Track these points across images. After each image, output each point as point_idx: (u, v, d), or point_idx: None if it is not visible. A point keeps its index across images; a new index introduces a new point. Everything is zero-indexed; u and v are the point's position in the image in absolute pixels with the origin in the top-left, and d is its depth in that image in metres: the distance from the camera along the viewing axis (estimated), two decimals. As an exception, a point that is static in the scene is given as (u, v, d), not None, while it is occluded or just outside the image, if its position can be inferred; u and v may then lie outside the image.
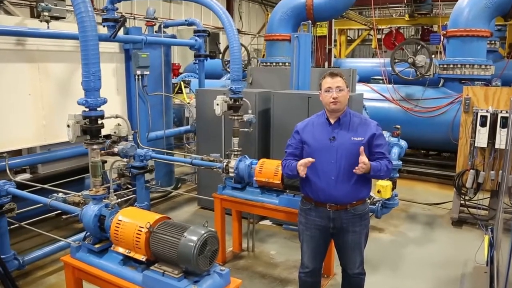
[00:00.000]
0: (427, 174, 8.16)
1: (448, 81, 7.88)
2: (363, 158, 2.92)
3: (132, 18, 10.58)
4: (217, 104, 4.86)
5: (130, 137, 4.87)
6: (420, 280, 4.49)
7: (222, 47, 13.77)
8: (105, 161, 5.05)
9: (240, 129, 4.88)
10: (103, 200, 3.15)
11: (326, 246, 3.32)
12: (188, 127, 7.55)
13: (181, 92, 9.02)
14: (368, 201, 3.37)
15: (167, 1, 15.05)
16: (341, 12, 9.25)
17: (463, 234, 5.74)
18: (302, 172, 3.01)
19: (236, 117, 4.80)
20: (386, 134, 5.50)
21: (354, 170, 2.93)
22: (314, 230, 3.20)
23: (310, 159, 3.00)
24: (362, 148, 2.93)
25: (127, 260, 2.88)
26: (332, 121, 3.12)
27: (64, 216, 3.64)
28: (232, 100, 4.81)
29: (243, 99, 4.87)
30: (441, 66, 7.76)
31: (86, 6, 2.91)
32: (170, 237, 2.64)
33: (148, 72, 6.17)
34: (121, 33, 5.78)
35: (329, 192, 3.07)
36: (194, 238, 2.56)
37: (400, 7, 16.32)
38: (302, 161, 3.02)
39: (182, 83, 9.14)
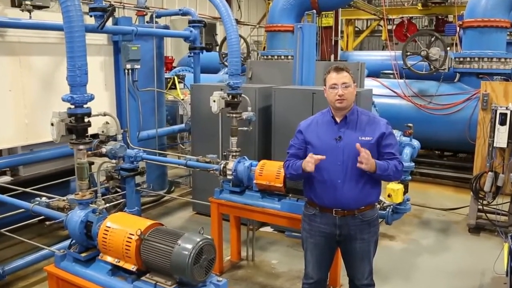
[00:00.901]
0: (441, 177, 8.16)
1: (464, 76, 7.89)
2: (363, 150, 2.89)
3: (122, 8, 10.56)
4: (214, 101, 4.86)
5: (120, 137, 4.86)
6: (434, 292, 4.49)
7: (219, 39, 13.78)
8: (92, 163, 5.04)
9: (239, 128, 4.88)
10: (90, 205, 3.15)
11: (332, 255, 3.32)
12: (183, 125, 7.55)
13: (175, 88, 9.00)
14: (378, 206, 3.38)
15: (160, -11, 15.07)
16: (349, 0, 9.26)
17: (480, 242, 5.74)
18: (311, 167, 2.95)
19: (234, 115, 4.80)
20: (397, 133, 5.50)
21: (358, 165, 2.91)
22: (319, 238, 3.19)
23: (319, 156, 2.96)
24: (358, 145, 2.92)
25: (116, 270, 2.88)
26: (338, 120, 3.12)
27: (47, 222, 3.64)
28: (230, 96, 4.81)
29: (242, 95, 4.86)
30: (457, 59, 7.76)
31: (72, -6, 2.91)
32: (163, 245, 2.64)
33: (138, 66, 6.16)
34: (109, 23, 5.77)
35: (335, 196, 3.06)
36: (189, 246, 2.56)
37: (413, -5, 16.33)
38: (310, 156, 2.97)
39: (175, 78, 9.12)
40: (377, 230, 3.25)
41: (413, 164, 5.57)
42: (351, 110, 3.12)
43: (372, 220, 3.17)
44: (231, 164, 4.51)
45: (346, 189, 3.04)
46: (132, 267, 2.75)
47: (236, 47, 4.71)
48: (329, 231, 3.15)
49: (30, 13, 5.01)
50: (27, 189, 4.61)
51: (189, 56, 8.07)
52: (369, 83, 8.14)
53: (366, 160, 2.91)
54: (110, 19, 5.65)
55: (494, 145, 5.58)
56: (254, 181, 4.34)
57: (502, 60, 7.37)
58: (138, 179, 5.10)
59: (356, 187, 3.04)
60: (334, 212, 3.11)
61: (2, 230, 4.50)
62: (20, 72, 5.11)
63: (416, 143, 5.68)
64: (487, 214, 5.90)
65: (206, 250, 2.61)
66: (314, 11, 6.36)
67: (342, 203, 3.07)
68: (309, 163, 2.98)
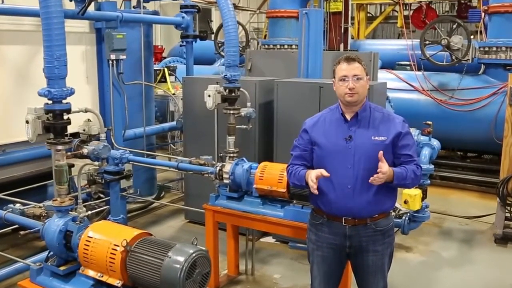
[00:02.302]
0: (464, 181, 8.15)
1: (490, 67, 7.88)
2: (383, 166, 2.88)
3: (105, -9, 10.58)
4: (209, 96, 4.86)
5: (103, 136, 4.85)
6: (456, 310, 4.49)
7: (214, 26, 13.77)
8: (72, 165, 5.05)
9: (237, 126, 4.88)
10: (70, 212, 3.15)
11: (341, 269, 3.32)
12: (174, 123, 7.54)
13: (165, 81, 9.01)
14: (393, 213, 3.38)
15: (148, -31, 15.05)
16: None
17: (508, 253, 5.74)
18: (313, 188, 2.96)
19: (231, 112, 4.80)
20: (414, 132, 5.50)
21: (370, 180, 2.90)
22: (327, 250, 3.19)
23: (323, 172, 2.95)
24: (381, 153, 2.90)
25: (99, 286, 2.88)
26: (348, 117, 3.10)
27: (22, 232, 3.63)
28: (227, 90, 4.81)
29: (241, 89, 4.86)
30: (481, 49, 7.75)
31: (49, -24, 2.91)
32: (152, 258, 2.64)
33: (124, 57, 6.16)
34: (91, 8, 5.77)
35: (345, 203, 3.05)
36: (181, 258, 2.56)
37: (432, -23, 16.32)
38: (313, 174, 2.97)
39: (166, 69, 9.13)
40: (392, 241, 3.24)
41: (432, 166, 5.58)
42: (363, 106, 3.11)
43: (386, 229, 3.16)
44: (228, 167, 4.51)
45: (357, 195, 3.03)
46: (117, 282, 2.75)
47: (234, 35, 4.71)
48: (338, 243, 3.14)
49: (2, -3, 5.01)
50: (-1, 195, 4.61)
51: (180, 46, 8.05)
52: (383, 76, 8.14)
53: (383, 180, 2.90)
54: (92, 3, 5.64)
55: (524, 145, 5.59)
56: (254, 186, 4.34)
57: (533, 49, 7.37)
58: (124, 183, 5.09)
59: (369, 193, 3.03)
60: (343, 221, 3.09)
61: (-29, 240, 4.50)
62: (-9, 63, 5.11)
63: (435, 143, 5.68)
64: (516, 223, 5.91)
65: (200, 263, 2.61)
66: (321, -6, 6.37)
67: (352, 210, 3.06)
68: (312, 180, 2.95)
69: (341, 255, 3.20)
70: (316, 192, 2.98)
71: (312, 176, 2.97)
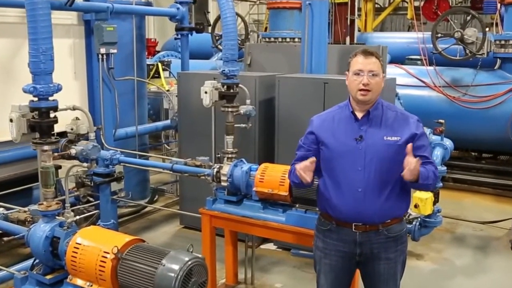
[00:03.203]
0: (479, 183, 8.16)
1: (506, 62, 7.88)
2: (411, 160, 2.84)
3: (95, -20, 10.59)
4: (206, 92, 4.86)
5: (92, 135, 4.85)
6: (470, 322, 4.50)
7: (212, 18, 13.78)
8: (60, 167, 5.05)
9: (236, 125, 4.88)
10: (57, 217, 3.15)
11: (350, 277, 3.31)
12: (168, 122, 7.54)
13: (159, 77, 9.02)
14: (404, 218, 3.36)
15: (140, -43, 15.07)
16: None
17: (526, 261, 5.75)
18: (304, 177, 2.97)
19: (230, 109, 4.80)
20: (425, 131, 5.50)
21: (402, 174, 2.87)
22: (335, 258, 3.18)
23: (310, 159, 2.96)
24: (410, 145, 2.88)
25: (87, 296, 2.88)
26: (359, 116, 3.09)
27: (5, 238, 3.63)
28: (225, 86, 4.81)
29: (240, 85, 4.86)
30: (497, 42, 7.76)
31: (34, -36, 2.91)
32: (144, 266, 2.63)
33: (115, 51, 6.16)
34: (80, -1, 5.78)
35: (355, 208, 3.04)
36: (175, 267, 2.56)
37: (444, -35, 16.32)
38: (301, 165, 2.99)
39: (159, 64, 9.14)
40: (405, 248, 3.24)
41: (445, 168, 5.58)
42: (375, 104, 3.10)
43: (399, 236, 3.16)
44: (226, 168, 4.51)
45: (368, 200, 3.02)
46: (107, 292, 2.75)
47: (232, 27, 4.71)
48: (347, 250, 3.14)
49: (-16, -13, 5.02)
50: (-19, 199, 4.61)
51: (175, 39, 8.05)
52: (392, 71, 8.14)
53: (413, 177, 2.86)
54: (81, -6, 5.66)
55: (543, 146, 5.59)
56: (254, 189, 4.34)
57: (552, 43, 7.38)
58: (115, 186, 5.10)
59: (381, 197, 3.02)
60: (353, 227, 3.09)
61: (-49, 247, 4.50)
62: (-28, 58, 5.11)
63: (448, 143, 5.69)
64: (534, 228, 5.91)
65: (196, 272, 2.61)
66: (326, -16, 6.36)
67: (363, 216, 3.05)
68: (301, 171, 2.97)
69: (350, 263, 3.20)
70: (308, 179, 2.97)
71: (300, 165, 2.98)
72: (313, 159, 2.98)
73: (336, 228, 3.15)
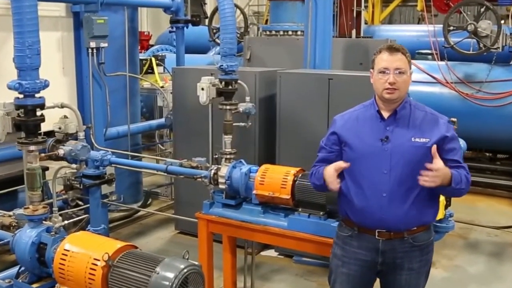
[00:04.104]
0: (494, 186, 8.17)
1: (523, 57, 7.88)
2: (437, 162, 2.83)
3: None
4: (202, 89, 4.86)
5: (82, 135, 4.85)
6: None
7: (209, 9, 13.79)
8: (47, 168, 5.05)
9: (234, 124, 4.88)
10: (44, 222, 3.15)
11: None
12: (162, 120, 7.55)
13: (152, 72, 9.02)
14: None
15: None
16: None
17: (544, 269, 5.75)
18: (332, 184, 2.98)
19: (228, 107, 4.80)
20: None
21: (421, 182, 2.85)
22: (354, 267, 3.16)
23: (341, 163, 2.98)
24: (434, 147, 2.87)
25: (76, 306, 2.88)
26: (385, 115, 3.08)
27: (-11, 245, 3.63)
28: (223, 83, 4.80)
29: (238, 81, 4.86)
30: (513, 35, 7.75)
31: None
32: (137, 274, 2.63)
33: (106, 45, 6.17)
34: (68, -11, 5.78)
35: (380, 214, 3.02)
36: (170, 275, 2.55)
37: (457, -47, 16.31)
38: (330, 167, 2.99)
39: (153, 59, 9.14)
40: (431, 258, 3.23)
41: (457, 169, 5.57)
42: (403, 103, 3.08)
43: (425, 245, 3.14)
44: (224, 170, 4.51)
45: (393, 205, 3.00)
46: (97, 302, 2.75)
47: (231, 20, 4.71)
48: (369, 258, 3.12)
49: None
50: (-37, 202, 4.61)
51: (170, 32, 8.06)
52: (401, 66, 8.13)
53: (435, 183, 2.83)
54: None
55: (561, 146, 5.59)
56: (254, 192, 4.33)
57: None
58: (105, 189, 5.09)
59: (407, 202, 3.00)
60: (377, 234, 3.07)
61: None
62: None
63: (461, 142, 5.67)
64: (552, 234, 5.91)
65: (192, 280, 2.60)
66: (331, -27, 6.36)
67: (388, 222, 3.03)
68: (331, 178, 2.98)
69: (370, 273, 3.18)
70: (337, 186, 2.99)
71: (330, 169, 2.99)
72: (346, 164, 2.98)
73: (357, 235, 3.14)
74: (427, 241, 3.15)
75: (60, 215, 3.22)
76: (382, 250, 3.08)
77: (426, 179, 2.84)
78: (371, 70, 3.11)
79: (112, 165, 4.97)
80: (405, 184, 2.97)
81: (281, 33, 8.53)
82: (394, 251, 3.08)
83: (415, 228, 3.08)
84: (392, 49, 3.03)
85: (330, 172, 3.00)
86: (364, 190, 3.05)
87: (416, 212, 3.04)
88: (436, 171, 2.83)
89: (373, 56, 3.11)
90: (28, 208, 3.16)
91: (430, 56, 9.02)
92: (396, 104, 3.07)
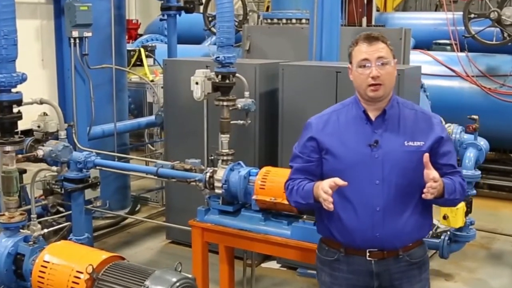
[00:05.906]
0: (519, 191, 8.17)
1: (551, 48, 7.89)
2: (431, 173, 2.74)
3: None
4: (197, 83, 4.86)
5: (63, 134, 4.86)
6: None
7: (204, -5, 13.77)
8: (25, 171, 5.05)
9: (232, 122, 4.89)
10: (21, 230, 3.15)
11: None
12: (152, 118, 7.55)
13: (141, 65, 9.02)
14: (430, 232, 3.33)
15: None
16: None
17: None
18: (328, 203, 2.76)
19: (225, 103, 4.81)
20: (456, 129, 5.51)
21: (424, 195, 2.76)
22: None
23: (338, 181, 2.76)
24: (426, 155, 2.76)
25: (57, 323, 2.88)
26: (372, 116, 2.97)
27: (-40, 256, 3.63)
28: (220, 76, 4.81)
29: (237, 75, 4.87)
30: (541, 24, 7.76)
31: None
32: (124, 288, 2.64)
33: (90, 34, 6.17)
34: (48, -27, 5.79)
35: (373, 231, 2.92)
36: (161, 289, 2.56)
37: None
38: (324, 184, 2.78)
39: (142, 50, 9.14)
40: (429, 276, 3.16)
41: (479, 172, 5.57)
42: (391, 101, 2.99)
43: (422, 262, 3.08)
44: (221, 173, 4.51)
45: (388, 220, 2.90)
46: (80, 319, 2.75)
47: (228, 6, 4.71)
48: (362, 284, 3.03)
49: None
50: None
51: (161, 20, 8.05)
52: (417, 58, 8.14)
53: (437, 193, 2.78)
54: (50, -33, 5.66)
55: None
56: (254, 197, 4.34)
57: None
58: (89, 194, 5.10)
59: (403, 216, 2.92)
60: (368, 255, 2.97)
61: None
62: None
63: (483, 143, 5.69)
64: None
65: (185, 295, 2.61)
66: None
67: (382, 240, 2.93)
68: (326, 202, 2.76)
69: None
70: (331, 207, 2.78)
71: (325, 185, 2.79)
72: (344, 183, 2.76)
73: (345, 258, 3.02)
74: (423, 258, 3.08)
75: (39, 222, 3.22)
76: (377, 273, 2.98)
77: (433, 191, 2.76)
78: (349, 65, 3.00)
79: (97, 167, 4.98)
80: (401, 195, 2.88)
81: (284, 21, 8.52)
82: (390, 272, 2.98)
83: (411, 243, 3.00)
84: (371, 38, 2.90)
85: (325, 189, 2.76)
86: (353, 205, 2.91)
87: (413, 226, 2.95)
88: (437, 181, 2.76)
89: (350, 49, 2.99)
90: (3, 215, 3.16)
91: (448, 47, 9.03)
92: (384, 102, 2.96)
